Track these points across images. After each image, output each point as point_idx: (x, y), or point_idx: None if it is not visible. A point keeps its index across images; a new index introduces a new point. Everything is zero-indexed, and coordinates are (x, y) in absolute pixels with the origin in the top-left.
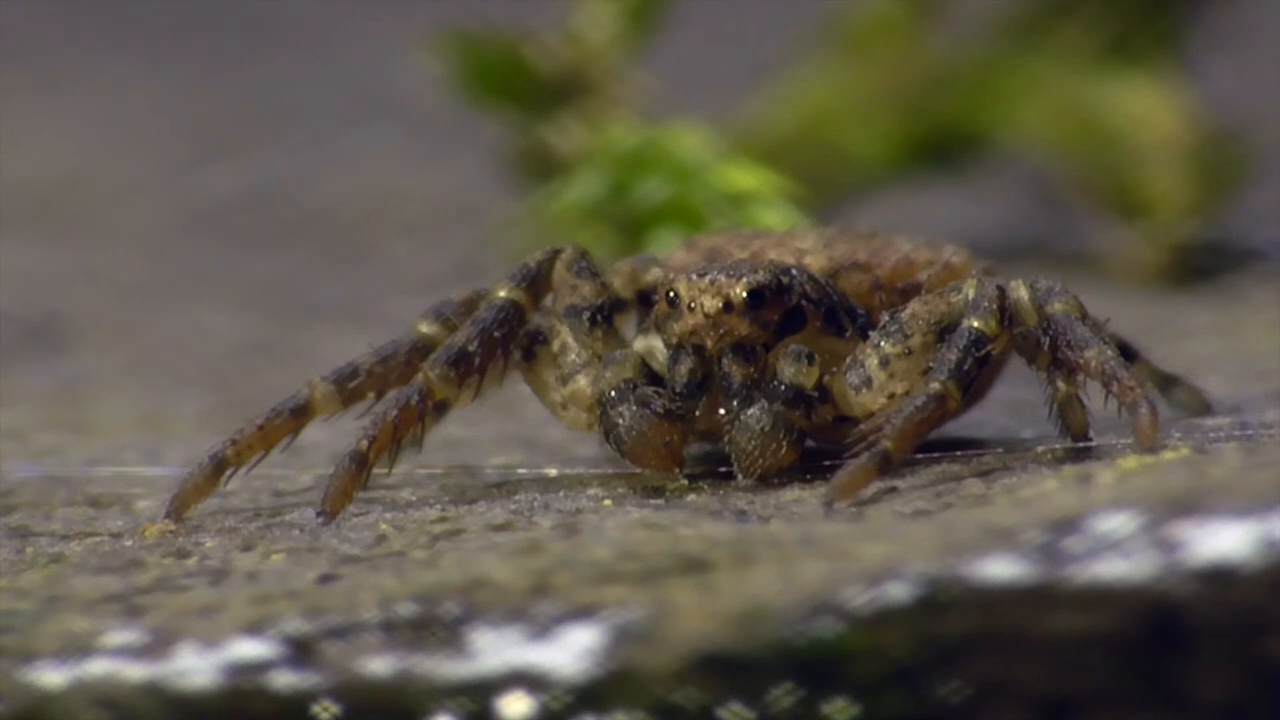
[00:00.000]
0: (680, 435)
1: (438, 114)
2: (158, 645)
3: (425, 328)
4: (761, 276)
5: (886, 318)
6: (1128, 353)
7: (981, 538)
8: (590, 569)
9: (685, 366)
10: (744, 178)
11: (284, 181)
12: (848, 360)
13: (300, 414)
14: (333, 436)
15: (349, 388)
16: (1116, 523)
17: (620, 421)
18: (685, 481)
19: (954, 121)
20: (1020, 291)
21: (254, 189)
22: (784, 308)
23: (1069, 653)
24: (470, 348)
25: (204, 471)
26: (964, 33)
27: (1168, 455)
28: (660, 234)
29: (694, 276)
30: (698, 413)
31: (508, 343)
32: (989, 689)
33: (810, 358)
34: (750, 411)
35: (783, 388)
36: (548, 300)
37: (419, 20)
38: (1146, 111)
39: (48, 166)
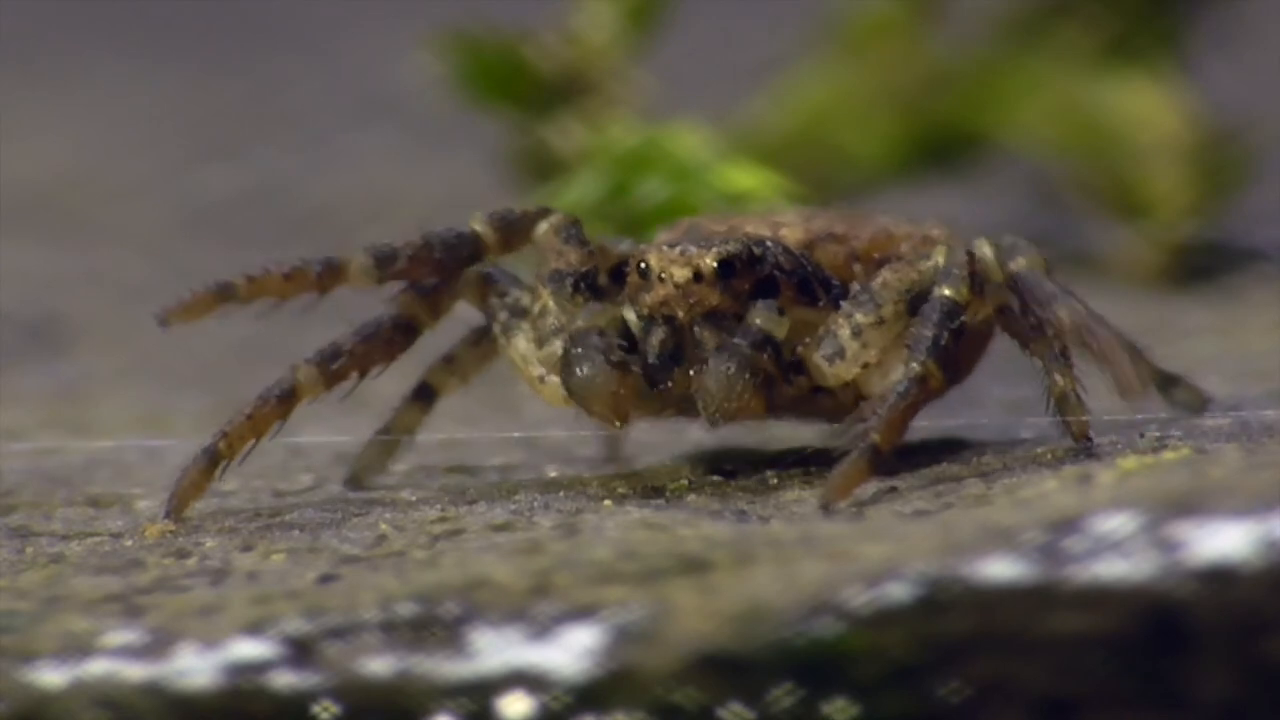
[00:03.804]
0: (630, 388)
1: (438, 114)
2: (158, 645)
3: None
4: (732, 247)
5: (857, 288)
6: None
7: (981, 538)
8: (590, 569)
9: (658, 337)
10: (744, 178)
11: (284, 181)
12: (820, 331)
13: (287, 399)
14: (333, 437)
15: (333, 369)
16: (1116, 523)
17: (574, 366)
18: (685, 481)
19: (954, 121)
20: (984, 249)
21: (254, 189)
22: (755, 278)
23: (1069, 653)
24: (407, 252)
25: (199, 467)
26: (964, 33)
27: (1168, 455)
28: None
29: (665, 248)
30: (670, 383)
31: (450, 267)
32: (989, 689)
33: (781, 311)
34: (718, 356)
35: (751, 332)
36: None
37: (419, 20)
38: (1146, 111)
39: (48, 166)
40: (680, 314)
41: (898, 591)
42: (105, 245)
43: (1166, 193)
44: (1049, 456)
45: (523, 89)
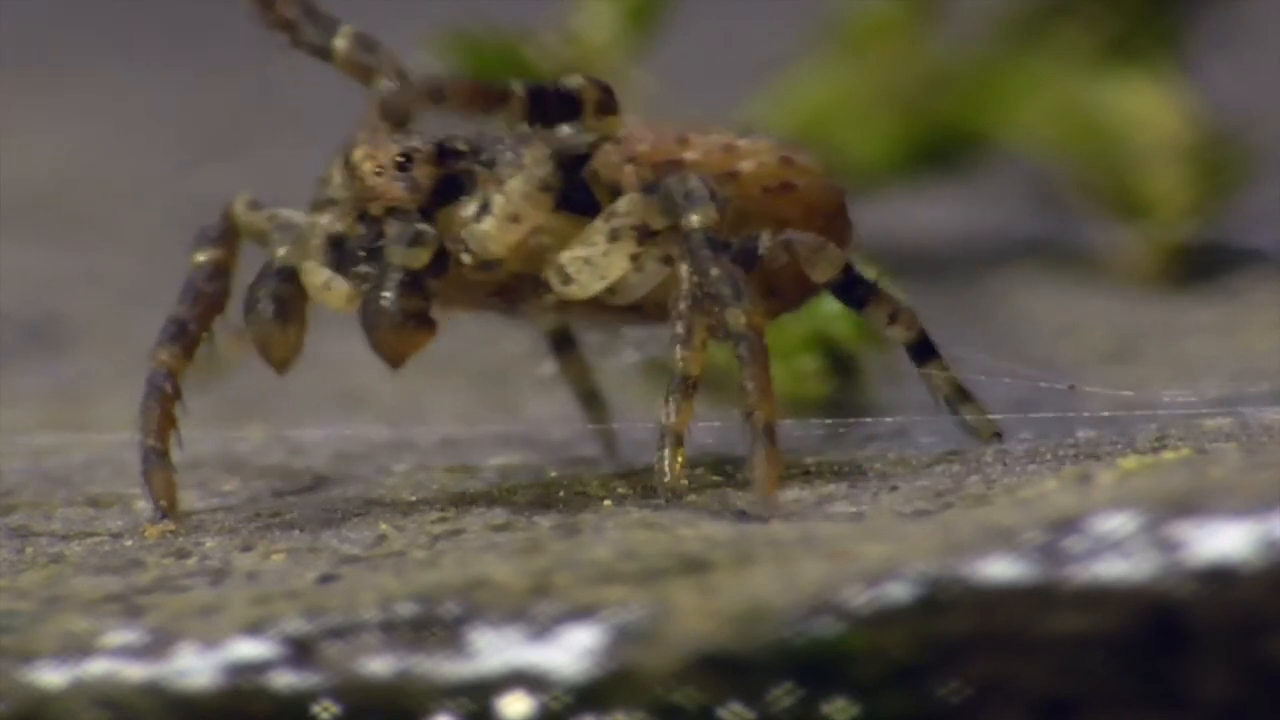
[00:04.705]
0: (290, 332)
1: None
2: (158, 645)
3: (201, 256)
4: (417, 141)
5: (500, 145)
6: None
7: (981, 538)
8: (590, 569)
9: (356, 233)
10: None
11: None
12: (476, 208)
13: (172, 380)
14: (331, 436)
15: (185, 340)
16: (1116, 523)
17: (250, 305)
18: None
19: (954, 121)
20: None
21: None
22: (440, 172)
23: (1069, 653)
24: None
25: (154, 467)
26: (964, 33)
27: (1168, 455)
28: None
29: (364, 143)
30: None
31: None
32: (989, 689)
33: (417, 238)
34: (365, 305)
35: (386, 273)
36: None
37: (419, 20)
38: (1146, 111)
39: (48, 166)
40: (370, 208)
41: (898, 591)
42: (105, 245)
43: (1166, 193)
44: (1049, 456)
45: None
